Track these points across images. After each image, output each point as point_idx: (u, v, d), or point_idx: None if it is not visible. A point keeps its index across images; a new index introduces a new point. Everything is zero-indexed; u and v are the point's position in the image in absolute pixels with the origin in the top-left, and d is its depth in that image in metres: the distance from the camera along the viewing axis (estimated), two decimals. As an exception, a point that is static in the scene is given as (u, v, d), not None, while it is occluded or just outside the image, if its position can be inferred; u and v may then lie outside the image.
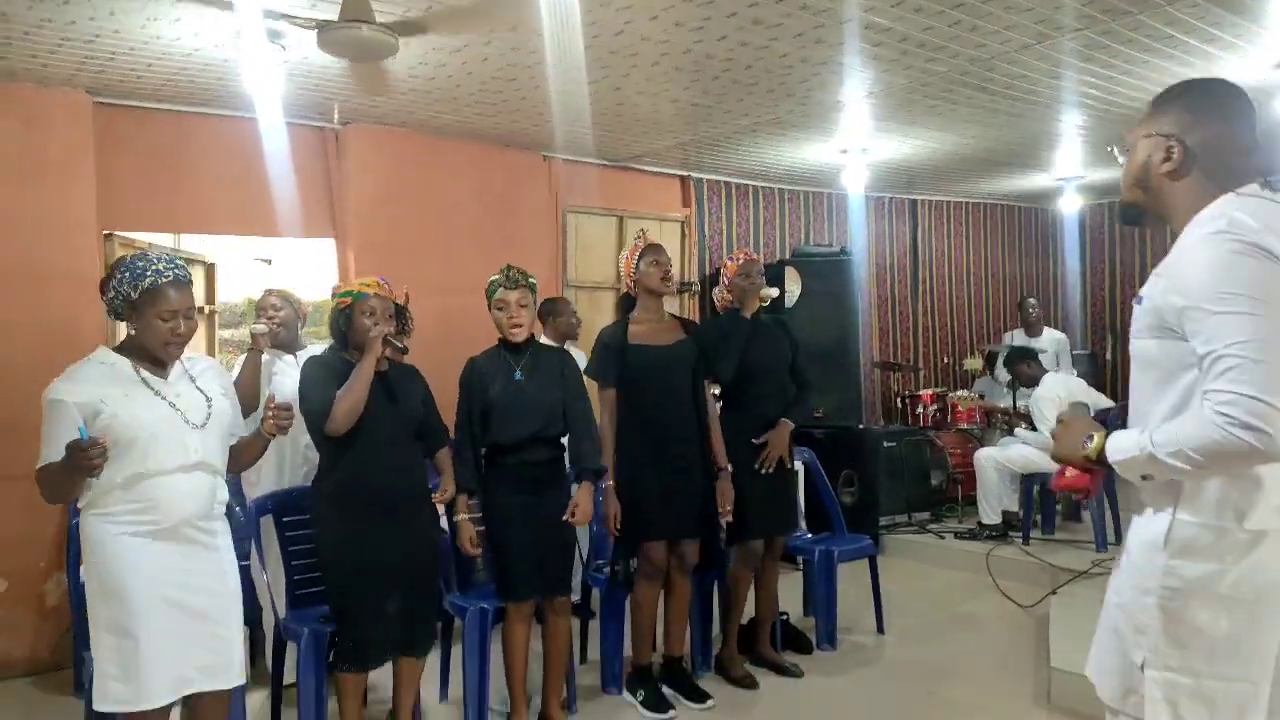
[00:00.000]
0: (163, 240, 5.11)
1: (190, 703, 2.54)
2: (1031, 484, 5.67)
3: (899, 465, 6.25)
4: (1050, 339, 6.76)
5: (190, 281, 2.54)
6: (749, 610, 3.91)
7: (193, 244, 5.47)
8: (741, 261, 3.82)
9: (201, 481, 2.49)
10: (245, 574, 3.67)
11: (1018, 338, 7.01)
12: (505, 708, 3.36)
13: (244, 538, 3.35)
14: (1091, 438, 1.64)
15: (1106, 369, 8.46)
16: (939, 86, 4.48)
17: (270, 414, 2.62)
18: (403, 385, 3.15)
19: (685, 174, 6.57)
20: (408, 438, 3.13)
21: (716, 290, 4.01)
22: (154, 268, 2.45)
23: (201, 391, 2.54)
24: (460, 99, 4.55)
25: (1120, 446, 1.59)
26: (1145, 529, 1.65)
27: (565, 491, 3.34)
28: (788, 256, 6.77)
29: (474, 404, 3.22)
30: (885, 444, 6.27)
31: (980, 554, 5.36)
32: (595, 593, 3.93)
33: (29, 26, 3.43)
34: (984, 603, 4.86)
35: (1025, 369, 5.81)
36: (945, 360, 8.23)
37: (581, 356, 3.92)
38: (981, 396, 6.85)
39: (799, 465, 5.12)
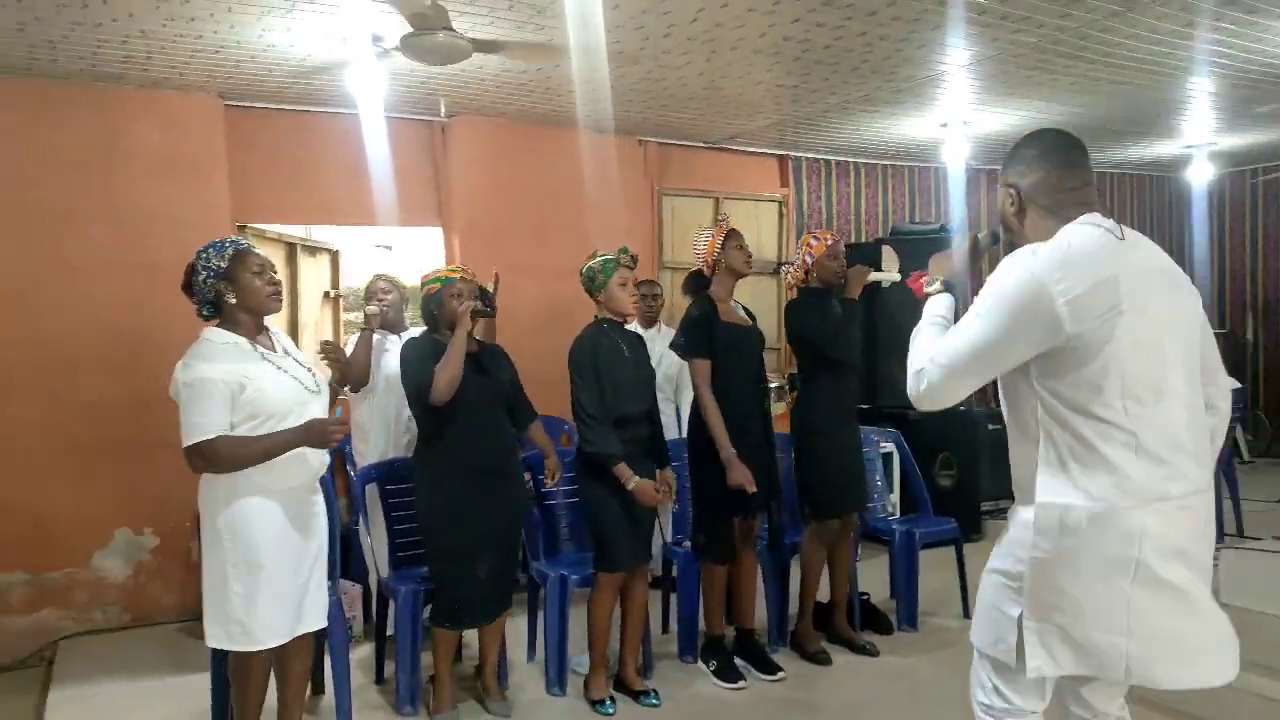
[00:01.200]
0: (293, 230, 5.55)
1: (284, 644, 2.83)
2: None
3: (1002, 449, 6.07)
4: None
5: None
6: (827, 589, 3.99)
7: (319, 234, 5.91)
8: (830, 242, 3.85)
9: (316, 452, 2.75)
10: (354, 538, 4.08)
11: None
12: (584, 669, 3.57)
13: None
14: (934, 284, 2.12)
15: (1247, 349, 7.92)
16: (1030, 58, 4.35)
17: (322, 352, 2.97)
18: (493, 361, 3.39)
19: (782, 153, 6.56)
20: (499, 411, 3.36)
21: (788, 268, 4.05)
22: (228, 239, 2.75)
23: (299, 362, 2.80)
24: (554, 90, 4.73)
25: (931, 309, 2.07)
26: (1022, 512, 1.92)
27: (651, 463, 3.48)
28: (887, 235, 6.67)
29: (602, 379, 3.28)
30: (990, 427, 6.13)
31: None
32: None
33: (165, 41, 3.83)
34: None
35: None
36: (1064, 338, 7.91)
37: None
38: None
39: (887, 446, 5.13)
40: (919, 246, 6.46)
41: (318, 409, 2.74)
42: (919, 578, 4.25)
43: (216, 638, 2.71)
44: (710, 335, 3.53)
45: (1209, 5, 3.71)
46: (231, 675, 2.84)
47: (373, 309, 4.02)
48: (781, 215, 6.62)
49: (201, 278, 2.69)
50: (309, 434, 2.61)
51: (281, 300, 2.78)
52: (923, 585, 4.27)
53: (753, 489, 3.42)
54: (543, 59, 3.53)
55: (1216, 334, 2.04)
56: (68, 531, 4.38)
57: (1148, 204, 8.40)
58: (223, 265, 2.67)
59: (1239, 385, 5.66)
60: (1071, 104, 5.34)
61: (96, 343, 4.38)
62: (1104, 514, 1.77)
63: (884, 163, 6.99)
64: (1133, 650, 1.78)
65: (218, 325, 2.72)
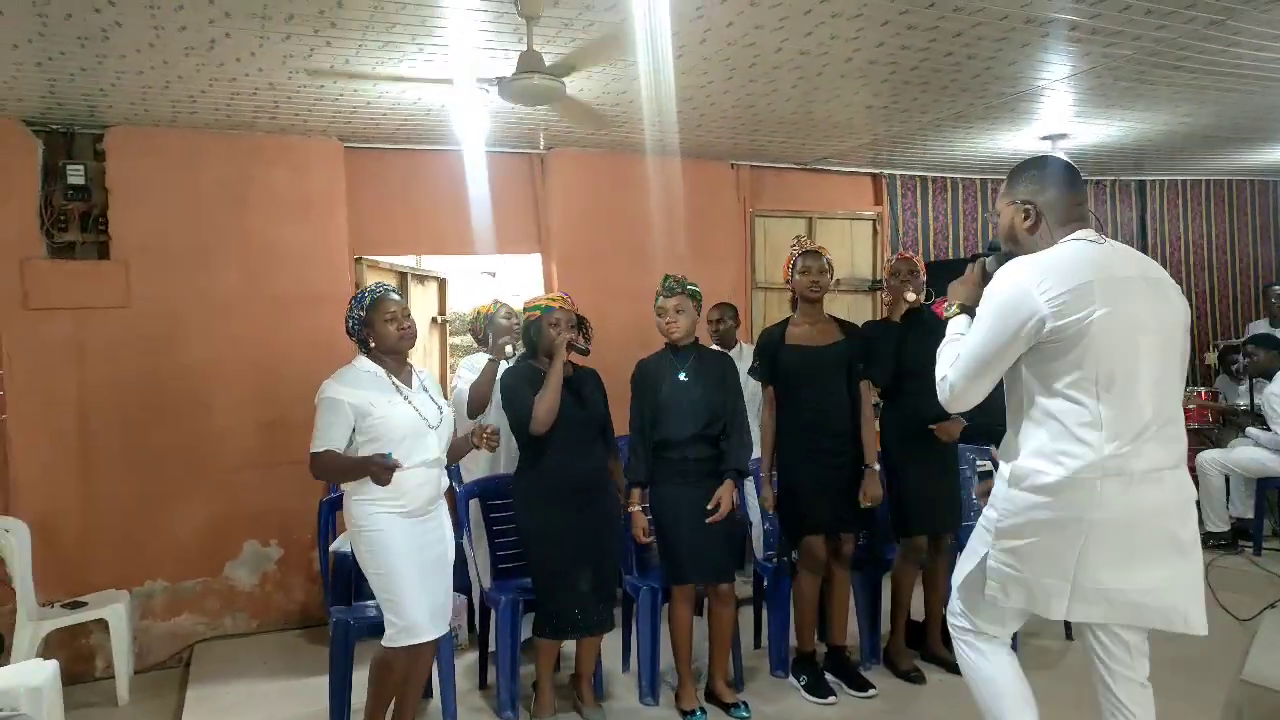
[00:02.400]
0: (405, 261, 5.89)
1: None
2: (1265, 489, 5.18)
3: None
4: (1299, 329, 6.10)
5: (398, 293, 3.18)
6: (922, 608, 3.98)
7: (428, 263, 6.25)
8: (894, 261, 3.91)
9: (435, 474, 3.11)
10: (460, 551, 4.29)
11: (1263, 327, 6.37)
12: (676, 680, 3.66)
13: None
14: (953, 307, 2.42)
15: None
16: (1128, 70, 4.26)
17: (485, 435, 3.19)
18: (588, 387, 3.54)
19: (876, 171, 6.56)
20: (594, 435, 3.52)
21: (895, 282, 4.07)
22: (370, 288, 3.15)
23: (433, 399, 3.14)
24: (643, 120, 4.89)
25: (952, 328, 2.37)
26: (1004, 469, 2.25)
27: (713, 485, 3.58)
28: (985, 249, 6.57)
29: (644, 403, 3.53)
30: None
31: (1202, 564, 4.98)
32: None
33: (291, 91, 4.18)
34: (1195, 614, 4.54)
35: (1263, 358, 5.30)
36: (1181, 354, 7.57)
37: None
38: (1216, 395, 6.29)
39: (984, 464, 5.04)
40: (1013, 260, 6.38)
41: (433, 442, 3.08)
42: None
43: (387, 639, 3.03)
44: (772, 359, 3.67)
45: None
46: (373, 668, 3.12)
47: (505, 341, 4.14)
48: (875, 233, 6.61)
49: (350, 324, 3.13)
50: (366, 467, 2.93)
51: (412, 341, 3.16)
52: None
53: (769, 506, 3.64)
54: (611, 55, 3.69)
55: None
56: (202, 544, 4.77)
57: (1272, 210, 7.98)
58: (361, 314, 3.11)
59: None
60: (1177, 113, 5.18)
61: (229, 372, 4.77)
62: (1070, 480, 2.09)
63: (982, 177, 6.89)
64: (1073, 593, 2.12)
65: (368, 355, 3.13)
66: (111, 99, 4.14)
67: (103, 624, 4.22)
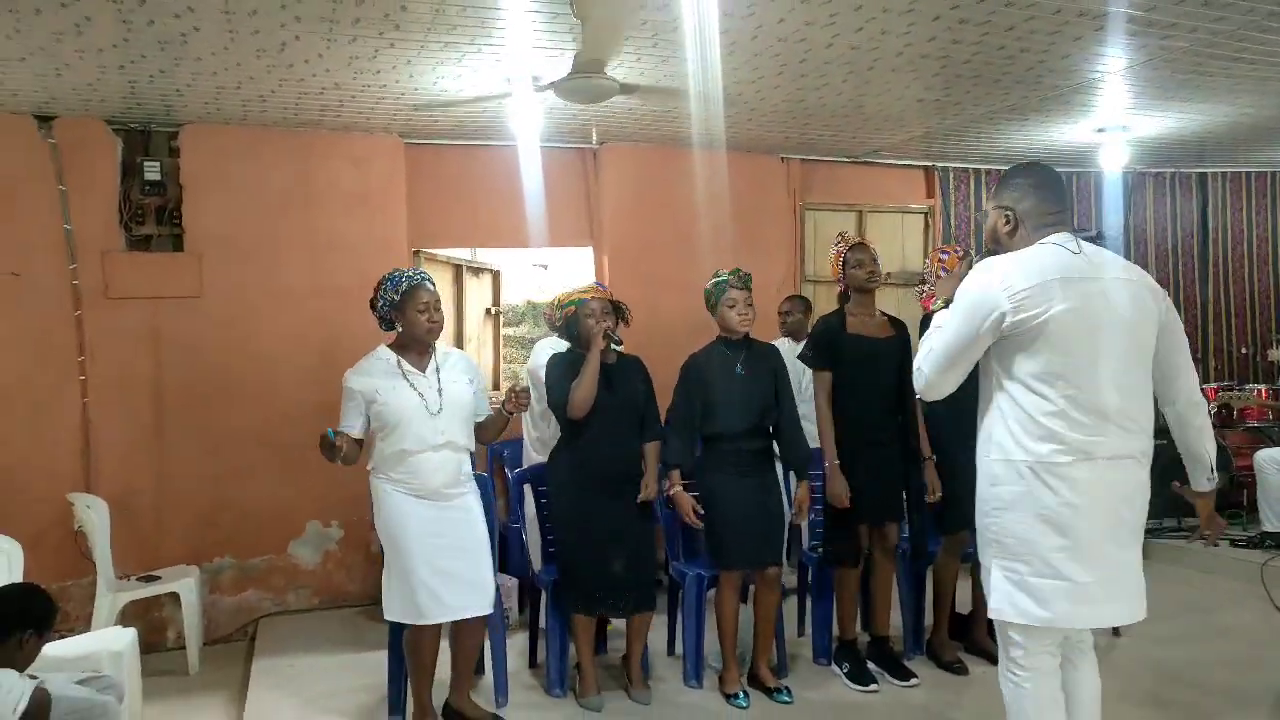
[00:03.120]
0: (460, 254, 6.05)
1: (455, 626, 3.24)
2: (1326, 489, 5.08)
3: (1167, 466, 5.79)
4: (1365, 326, 5.93)
5: (433, 283, 3.26)
6: (969, 600, 4.00)
7: (483, 255, 6.40)
8: (962, 254, 3.89)
9: (448, 458, 3.19)
10: (518, 535, 4.44)
11: (1326, 324, 6.22)
12: (720, 664, 3.74)
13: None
14: (939, 302, 2.54)
15: None
16: (1185, 62, 4.20)
17: (513, 396, 3.26)
18: (625, 376, 3.64)
19: (929, 164, 6.52)
20: (628, 422, 3.61)
21: (920, 290, 4.09)
22: (407, 274, 3.24)
23: (441, 384, 3.20)
24: (693, 117, 4.95)
25: (935, 321, 2.45)
26: (983, 464, 2.36)
27: (774, 473, 3.67)
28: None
29: (694, 395, 3.58)
30: (1155, 442, 5.86)
31: (1257, 564, 4.91)
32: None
33: (355, 90, 4.34)
34: (1248, 613, 4.50)
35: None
36: (1243, 350, 7.40)
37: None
38: (1278, 392, 6.16)
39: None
40: (1073, 256, 6.29)
41: (442, 425, 3.16)
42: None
43: (389, 611, 3.17)
44: (832, 347, 3.66)
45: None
46: (405, 646, 3.25)
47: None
48: (928, 226, 6.58)
49: (380, 303, 3.22)
50: (322, 448, 3.01)
51: (438, 333, 3.26)
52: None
53: (843, 504, 3.56)
54: (670, 101, 3.81)
55: None
56: (268, 523, 4.99)
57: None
58: (395, 298, 3.21)
59: None
60: (1237, 104, 5.08)
61: (295, 358, 4.97)
62: (1043, 467, 2.21)
63: (1038, 171, 6.80)
64: (1073, 594, 2.19)
65: (390, 343, 3.25)
66: (187, 99, 4.35)
67: (175, 597, 4.46)
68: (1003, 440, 2.30)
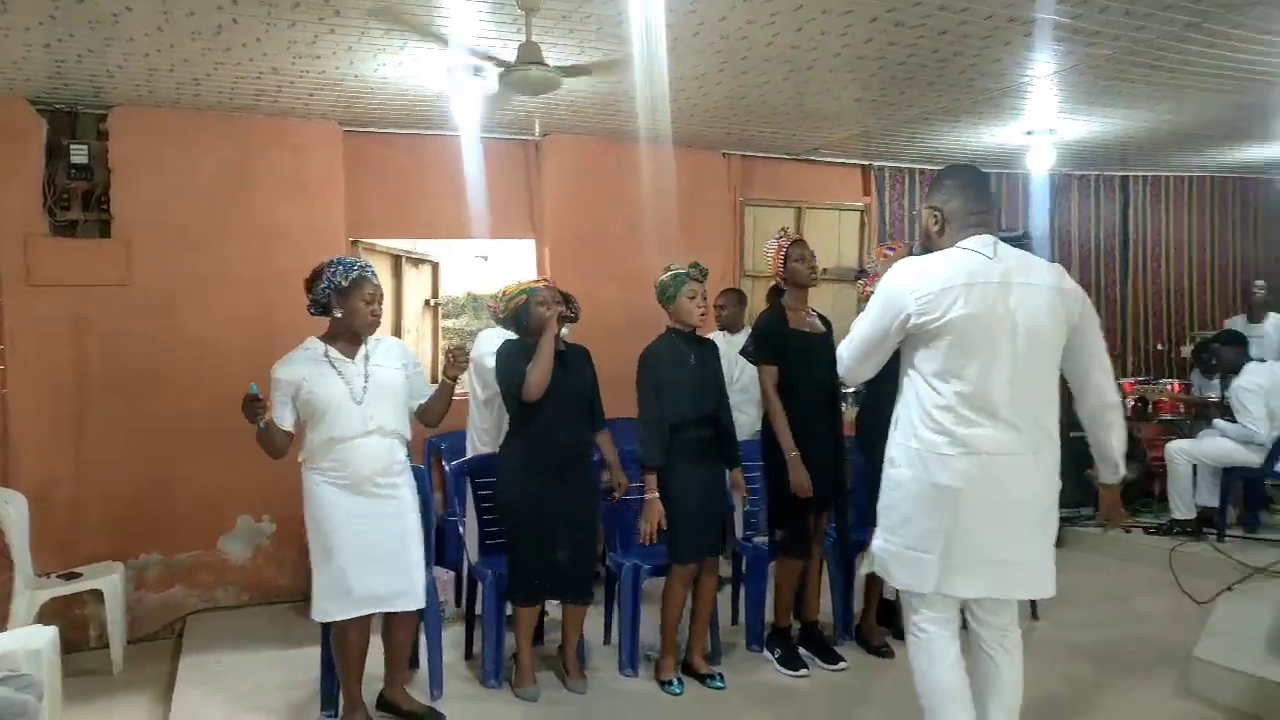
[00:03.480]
0: (399, 245, 5.97)
1: (386, 619, 3.22)
2: (1230, 478, 5.35)
3: (1085, 457, 6.02)
4: (1272, 324, 6.27)
5: (378, 277, 3.23)
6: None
7: (422, 246, 6.33)
8: (903, 251, 3.99)
9: (378, 444, 3.14)
10: (454, 528, 4.41)
11: (1239, 323, 6.54)
12: (655, 653, 3.79)
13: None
14: (873, 288, 2.66)
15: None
16: (1108, 69, 4.39)
17: (449, 358, 3.25)
18: (576, 364, 3.66)
19: (866, 163, 6.67)
20: (579, 410, 3.63)
21: (861, 282, 4.20)
22: (358, 264, 3.19)
23: (368, 370, 3.16)
24: (636, 110, 4.97)
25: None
26: (886, 449, 2.57)
27: (721, 462, 3.72)
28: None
29: (662, 387, 3.56)
30: (1070, 434, 6.06)
31: (1166, 550, 5.16)
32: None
33: (294, 76, 4.26)
34: (1158, 597, 4.72)
35: (1228, 355, 5.46)
36: (1160, 347, 7.74)
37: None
38: (1189, 387, 6.45)
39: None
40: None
41: (371, 411, 3.12)
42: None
43: (316, 608, 3.14)
44: (777, 341, 3.72)
45: (1287, 14, 3.70)
46: (332, 642, 3.21)
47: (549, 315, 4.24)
48: (864, 224, 6.73)
49: (322, 285, 3.15)
50: (243, 410, 2.96)
51: (375, 328, 3.23)
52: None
53: (808, 493, 3.59)
54: (616, 74, 3.83)
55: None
56: (196, 517, 4.88)
57: (1252, 207, 8.15)
58: (343, 284, 3.14)
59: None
60: (1158, 110, 5.31)
61: (226, 347, 4.85)
62: (925, 455, 2.41)
63: (969, 171, 6.99)
64: (943, 566, 2.39)
65: (322, 334, 3.20)
66: (117, 80, 4.22)
67: (98, 594, 4.33)
68: (904, 427, 2.51)
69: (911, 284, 2.42)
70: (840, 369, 2.64)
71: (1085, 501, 5.96)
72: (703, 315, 3.65)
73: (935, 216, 2.53)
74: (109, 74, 4.11)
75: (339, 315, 3.16)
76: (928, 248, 2.57)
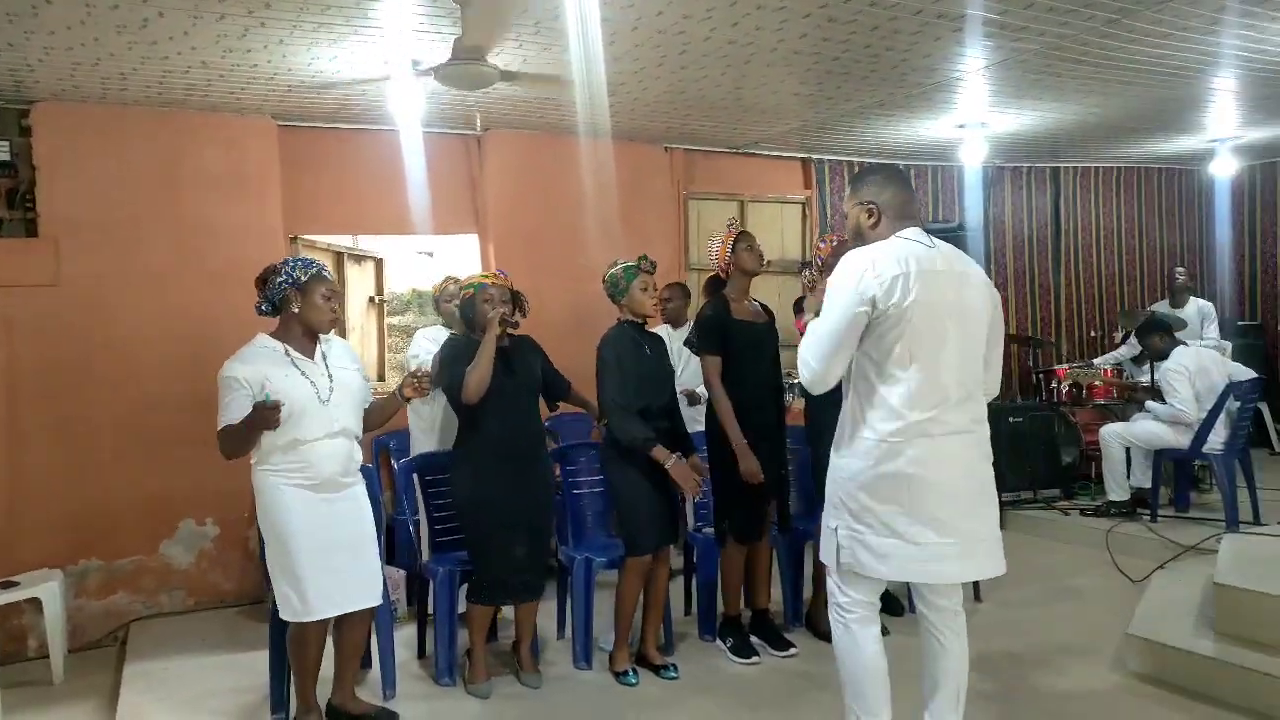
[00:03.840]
0: (342, 241, 5.90)
1: (339, 619, 3.18)
2: (1161, 460, 5.55)
3: (1024, 441, 6.23)
4: (1194, 308, 6.50)
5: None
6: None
7: (365, 243, 6.26)
8: (836, 245, 4.05)
9: (341, 445, 3.12)
10: (405, 526, 4.38)
11: (1163, 307, 6.77)
12: (610, 646, 3.82)
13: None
14: (809, 315, 2.66)
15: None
16: (1035, 64, 4.52)
17: (411, 380, 3.19)
18: (522, 357, 3.65)
19: (805, 156, 6.77)
20: (528, 403, 3.63)
21: (806, 272, 4.25)
22: (317, 261, 3.14)
23: (329, 371, 3.13)
24: (577, 104, 4.98)
25: (809, 329, 2.59)
26: (835, 440, 2.60)
27: (683, 453, 3.68)
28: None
29: (626, 372, 3.54)
30: (1010, 420, 6.27)
31: (1102, 530, 5.34)
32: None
33: (224, 70, 4.18)
34: (1094, 577, 4.88)
35: (1156, 341, 5.66)
36: (1092, 334, 7.99)
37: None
38: (1121, 373, 6.67)
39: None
40: (939, 245, 6.63)
41: (335, 413, 3.08)
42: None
43: (282, 609, 3.07)
44: (722, 332, 3.76)
45: (1205, 10, 3.85)
46: (289, 643, 3.17)
47: (450, 308, 4.25)
48: (805, 216, 6.82)
49: (279, 280, 3.08)
50: (252, 420, 2.87)
51: (335, 324, 3.18)
52: (936, 571, 4.44)
53: (759, 480, 3.63)
54: (552, 90, 3.84)
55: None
56: (137, 522, 4.77)
57: (1176, 196, 8.45)
58: (302, 279, 3.07)
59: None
60: (1084, 104, 5.48)
61: (161, 345, 4.76)
62: (882, 443, 2.44)
63: (906, 163, 7.14)
64: (904, 552, 2.43)
65: (272, 332, 3.12)
66: (38, 74, 4.10)
67: (36, 603, 4.22)
68: (856, 417, 2.52)
69: (872, 267, 2.44)
70: (805, 374, 2.54)
71: (1028, 486, 6.17)
72: (655, 306, 3.70)
73: (870, 209, 2.58)
74: (29, 68, 3.99)
75: (297, 311, 3.08)
76: (860, 243, 2.62)
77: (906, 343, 2.42)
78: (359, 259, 6.06)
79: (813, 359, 2.52)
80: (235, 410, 2.96)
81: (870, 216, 2.58)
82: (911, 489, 2.42)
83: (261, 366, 3.02)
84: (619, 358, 3.56)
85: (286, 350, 3.09)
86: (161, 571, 4.84)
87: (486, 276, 3.67)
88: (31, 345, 4.53)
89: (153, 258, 4.77)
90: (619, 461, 3.60)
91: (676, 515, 3.82)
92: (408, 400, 3.29)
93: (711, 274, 4.01)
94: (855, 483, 2.50)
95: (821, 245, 4.08)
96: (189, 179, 4.85)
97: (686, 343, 3.96)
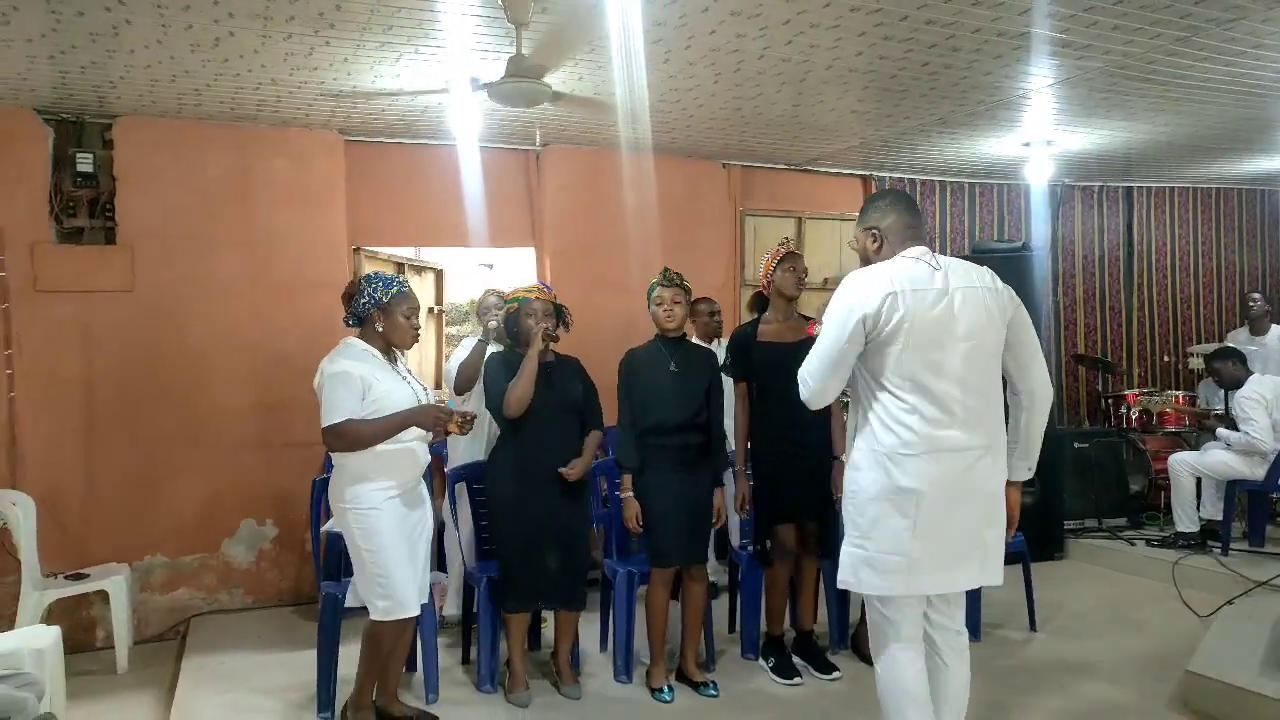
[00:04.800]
0: (403, 252, 6.05)
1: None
2: (1235, 491, 5.32)
3: (1089, 468, 6.04)
4: (1275, 335, 6.22)
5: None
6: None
7: (426, 254, 6.40)
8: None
9: (423, 449, 3.28)
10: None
11: (1240, 336, 6.50)
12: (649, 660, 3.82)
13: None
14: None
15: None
16: (1100, 82, 4.40)
17: (459, 420, 3.22)
18: (563, 375, 3.70)
19: (866, 173, 6.69)
20: (566, 420, 3.67)
21: None
22: (398, 279, 3.27)
23: (414, 378, 3.29)
24: (620, 120, 5.00)
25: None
26: (847, 457, 2.64)
27: (705, 471, 3.74)
28: (969, 253, 6.70)
29: (634, 391, 3.64)
30: (1076, 445, 6.10)
31: (1168, 562, 5.14)
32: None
33: (293, 87, 4.34)
34: (1158, 610, 4.69)
35: (1229, 369, 5.44)
36: (1165, 359, 7.71)
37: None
38: (1194, 400, 6.42)
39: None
40: (1001, 265, 6.42)
41: None
42: (984, 591, 4.31)
43: (373, 611, 3.15)
44: (744, 356, 3.80)
45: (1279, 26, 3.71)
46: (371, 641, 3.23)
47: (492, 324, 4.35)
48: (865, 235, 6.73)
49: (364, 300, 3.20)
50: (422, 415, 3.08)
51: (417, 341, 3.32)
52: (994, 598, 4.31)
53: (743, 507, 3.78)
54: (599, 112, 3.90)
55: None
56: (201, 522, 4.94)
57: (1256, 218, 8.12)
58: (384, 299, 3.19)
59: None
60: (1155, 122, 5.31)
61: (229, 356, 4.94)
62: (889, 458, 2.48)
63: (970, 181, 7.01)
64: (912, 567, 2.46)
65: (359, 336, 3.24)
66: (120, 91, 4.31)
67: (104, 596, 4.40)
68: (864, 433, 2.58)
69: (867, 287, 2.52)
70: (803, 392, 2.63)
71: (1092, 513, 5.98)
72: (671, 319, 3.68)
73: (874, 235, 2.65)
74: (112, 85, 4.20)
75: (380, 330, 3.21)
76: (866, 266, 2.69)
77: (902, 360, 2.47)
78: (419, 270, 6.20)
79: (809, 377, 2.62)
80: (351, 404, 3.04)
81: (875, 241, 2.65)
82: (916, 504, 2.46)
83: (367, 367, 3.13)
84: (628, 378, 3.68)
85: (383, 357, 3.23)
86: (222, 570, 5.01)
87: (530, 291, 3.71)
88: (107, 351, 4.75)
89: (223, 267, 4.96)
90: (645, 475, 3.64)
91: (706, 530, 3.79)
92: (446, 434, 3.34)
93: (756, 290, 4.00)
94: (863, 496, 2.55)
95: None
96: (258, 191, 5.03)
97: (721, 367, 3.94)
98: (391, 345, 3.25)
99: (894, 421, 2.49)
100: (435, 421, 3.11)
